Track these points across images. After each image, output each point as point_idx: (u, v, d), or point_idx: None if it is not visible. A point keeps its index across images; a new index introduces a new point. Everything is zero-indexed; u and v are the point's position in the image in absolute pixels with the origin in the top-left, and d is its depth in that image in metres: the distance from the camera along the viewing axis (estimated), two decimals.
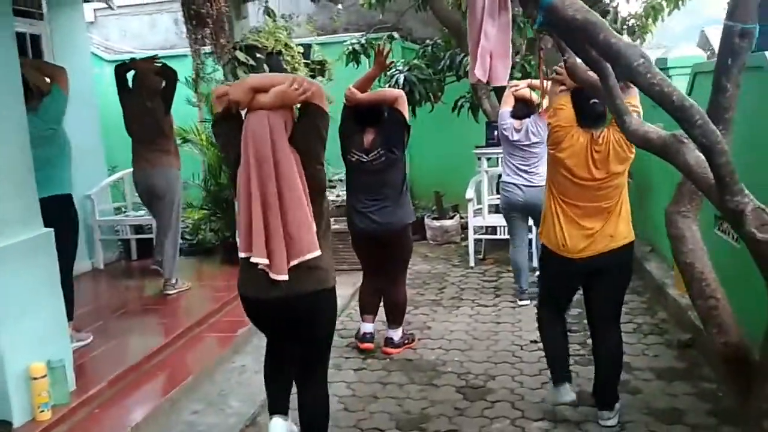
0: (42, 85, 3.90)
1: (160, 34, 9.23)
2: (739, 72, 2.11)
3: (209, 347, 4.34)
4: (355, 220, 4.26)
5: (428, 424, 3.44)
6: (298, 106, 2.64)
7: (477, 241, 6.61)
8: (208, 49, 4.43)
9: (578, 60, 2.52)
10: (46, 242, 3.35)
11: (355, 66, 7.33)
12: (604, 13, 5.66)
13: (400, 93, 4.14)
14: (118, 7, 8.28)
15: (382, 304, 4.51)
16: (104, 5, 7.41)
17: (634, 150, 3.01)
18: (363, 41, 7.33)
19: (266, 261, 2.55)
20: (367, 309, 4.49)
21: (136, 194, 5.39)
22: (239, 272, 2.75)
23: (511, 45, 2.62)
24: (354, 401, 3.73)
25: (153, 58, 5.07)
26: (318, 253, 2.58)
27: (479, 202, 6.64)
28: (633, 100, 3.02)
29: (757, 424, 1.92)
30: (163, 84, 4.87)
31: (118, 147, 6.16)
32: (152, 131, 4.92)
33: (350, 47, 7.32)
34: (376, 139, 4.09)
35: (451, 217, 7.68)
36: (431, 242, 7.63)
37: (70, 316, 4.09)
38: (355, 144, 4.12)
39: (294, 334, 2.81)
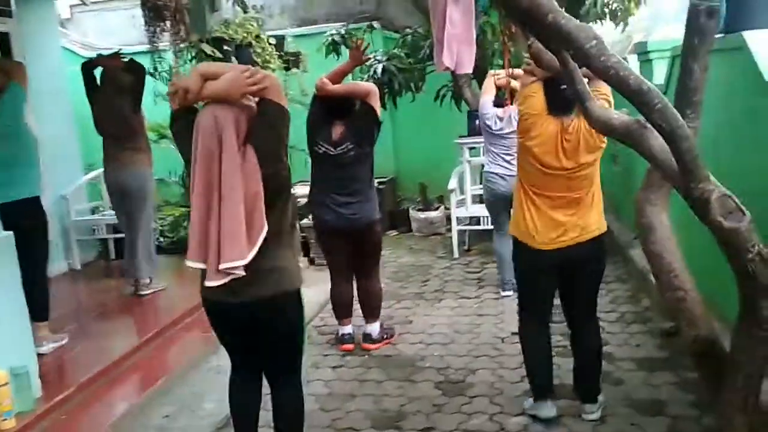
0: None
1: (139, 29, 9.06)
2: (706, 53, 2.02)
3: (184, 348, 4.26)
4: (322, 214, 4.16)
5: (404, 422, 3.36)
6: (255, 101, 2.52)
7: (461, 233, 6.53)
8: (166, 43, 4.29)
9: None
10: (6, 247, 3.25)
11: (336, 57, 7.21)
12: None
13: (372, 87, 4.04)
14: (93, 2, 8.15)
15: (357, 301, 4.42)
16: (78, 1, 7.28)
17: (606, 140, 2.92)
18: (342, 32, 7.20)
19: (202, 265, 2.44)
20: (342, 311, 4.39)
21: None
22: (200, 276, 2.64)
23: (474, 30, 2.52)
24: (330, 400, 3.65)
25: (118, 54, 4.95)
26: (243, 262, 2.38)
27: (462, 192, 6.55)
28: (602, 87, 2.93)
29: (730, 417, 1.84)
30: (131, 80, 4.75)
31: (95, 146, 6.04)
32: (121, 129, 4.80)
33: (330, 38, 7.19)
34: (345, 133, 3.99)
35: (436, 209, 7.59)
36: (416, 234, 7.55)
37: (45, 316, 4.02)
38: (322, 136, 4.02)
39: (256, 340, 2.69)
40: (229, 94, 2.40)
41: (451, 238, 6.60)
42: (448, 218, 7.30)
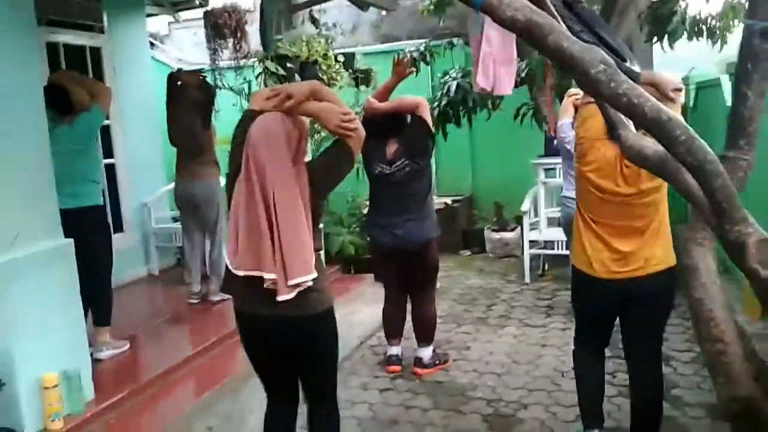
0: (84, 102, 3.98)
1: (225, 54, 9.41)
2: (763, 78, 1.80)
3: (239, 359, 4.26)
4: (376, 235, 4.10)
5: None
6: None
7: (534, 256, 6.29)
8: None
9: None
10: (66, 253, 3.38)
11: (414, 74, 7.18)
12: (672, 14, 5.23)
13: (420, 100, 3.96)
14: (189, 19, 8.50)
15: (411, 322, 4.31)
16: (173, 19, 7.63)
17: None
18: (422, 48, 7.16)
19: (274, 276, 2.42)
20: (391, 332, 4.31)
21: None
22: (234, 287, 2.63)
23: (515, 50, 2.38)
24: (372, 425, 3.57)
25: (198, 72, 5.13)
26: (312, 276, 2.44)
27: (536, 214, 6.32)
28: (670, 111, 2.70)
29: None
30: (203, 98, 4.90)
31: None
32: (191, 143, 4.97)
33: (408, 54, 7.17)
34: (398, 149, 3.92)
35: (512, 230, 7.36)
36: (490, 255, 7.36)
37: (107, 322, 4.18)
38: (377, 155, 3.97)
39: (291, 358, 2.65)
40: (320, 119, 2.49)
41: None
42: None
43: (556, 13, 1.49)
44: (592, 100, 2.82)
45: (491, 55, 2.32)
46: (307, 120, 2.57)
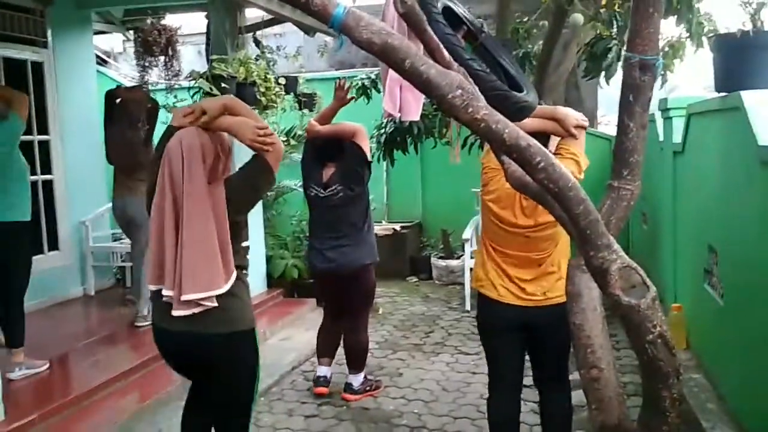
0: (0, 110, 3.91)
1: (183, 65, 9.37)
2: (643, 110, 1.86)
3: (161, 383, 4.19)
4: (312, 258, 4.09)
5: None
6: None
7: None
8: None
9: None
10: None
11: (366, 101, 7.24)
12: (606, 51, 5.37)
13: (359, 127, 3.98)
14: None
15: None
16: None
17: None
18: (372, 76, 7.22)
19: (171, 293, 2.39)
20: (322, 351, 4.28)
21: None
22: (155, 304, 2.59)
23: None
24: None
25: (140, 87, 5.07)
26: (217, 291, 2.41)
27: (478, 242, 6.36)
28: (572, 146, 2.74)
29: None
30: (146, 115, 4.86)
31: None
32: (131, 159, 4.90)
33: (360, 82, 7.23)
34: (334, 174, 3.94)
35: (458, 257, 7.40)
36: (437, 282, 7.38)
37: (20, 342, 4.05)
38: (313, 178, 3.98)
39: (200, 374, 2.62)
40: (235, 133, 2.45)
41: None
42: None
43: (436, 39, 1.51)
44: None
45: (398, 81, 2.34)
46: (227, 137, 2.55)
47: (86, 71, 6.41)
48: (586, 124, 2.74)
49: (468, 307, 6.14)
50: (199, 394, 2.79)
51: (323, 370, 4.23)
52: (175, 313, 2.35)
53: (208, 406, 2.72)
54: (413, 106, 2.43)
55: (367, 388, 4.21)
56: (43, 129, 5.86)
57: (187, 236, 2.33)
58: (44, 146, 5.89)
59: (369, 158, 4.00)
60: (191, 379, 2.78)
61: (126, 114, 4.97)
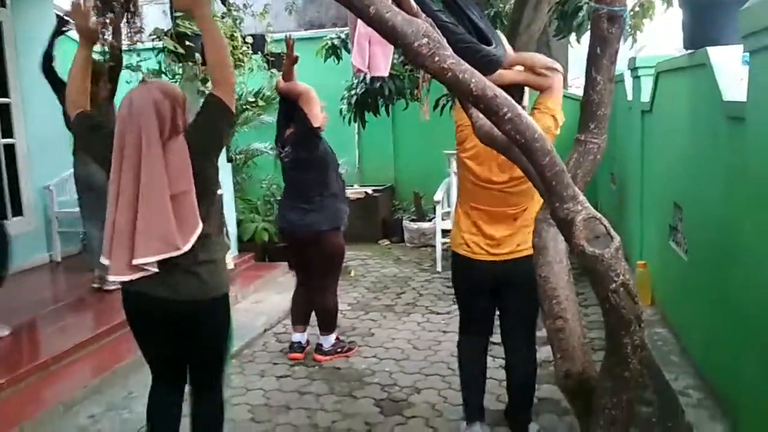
0: None
1: (148, 25, 9.10)
2: (611, 62, 1.85)
3: (129, 348, 4.13)
4: (278, 217, 4.08)
5: None
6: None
7: (448, 246, 6.34)
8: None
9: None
10: None
11: (336, 61, 7.14)
12: (577, 9, 5.35)
13: (304, 89, 3.82)
14: None
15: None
16: None
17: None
18: (342, 36, 7.11)
19: (108, 263, 2.35)
20: (296, 318, 4.27)
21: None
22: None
23: None
24: (264, 411, 3.52)
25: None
26: (176, 253, 2.36)
27: (449, 204, 6.38)
28: (549, 100, 2.75)
29: None
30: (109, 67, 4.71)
31: None
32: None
33: (330, 42, 7.12)
34: (290, 136, 3.89)
35: (430, 220, 7.43)
36: (408, 245, 7.41)
37: None
38: (280, 137, 3.95)
39: (177, 344, 2.57)
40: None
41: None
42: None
43: None
44: None
45: (366, 36, 2.30)
46: (180, 91, 2.49)
47: (46, 31, 6.18)
48: (558, 66, 2.72)
49: (439, 268, 6.19)
50: (171, 368, 2.72)
51: (297, 336, 4.24)
52: (121, 278, 2.31)
53: (180, 379, 2.69)
54: (382, 61, 2.40)
55: (338, 350, 4.23)
56: (3, 92, 5.68)
57: (145, 199, 2.28)
58: (5, 109, 5.71)
59: (314, 124, 3.81)
60: (158, 346, 2.63)
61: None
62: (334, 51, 7.13)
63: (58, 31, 4.85)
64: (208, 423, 2.70)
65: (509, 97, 1.43)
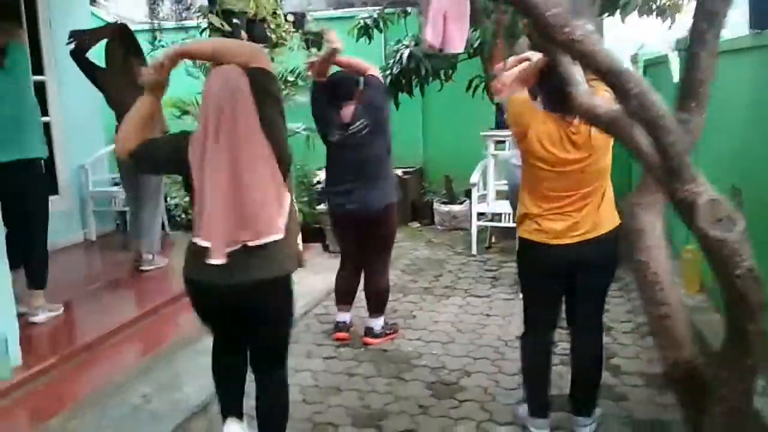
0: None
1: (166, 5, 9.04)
2: (715, 39, 1.77)
3: (176, 327, 4.16)
4: (335, 200, 4.01)
5: (386, 422, 3.19)
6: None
7: (483, 229, 6.29)
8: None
9: None
10: None
11: (367, 41, 7.05)
12: None
13: (364, 62, 3.98)
14: None
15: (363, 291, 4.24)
16: None
17: None
18: (375, 15, 7.02)
19: (206, 243, 2.30)
20: (342, 297, 4.23)
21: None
22: (186, 252, 2.49)
23: (468, 6, 2.30)
24: (315, 393, 3.50)
25: (107, 26, 4.94)
26: (280, 235, 2.34)
27: (485, 187, 6.31)
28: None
29: None
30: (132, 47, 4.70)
31: None
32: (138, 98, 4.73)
33: (362, 21, 7.03)
34: (356, 110, 3.82)
35: (461, 203, 7.36)
36: (439, 227, 7.35)
37: (42, 285, 3.98)
38: (333, 123, 3.87)
39: (247, 324, 2.54)
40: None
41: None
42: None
43: None
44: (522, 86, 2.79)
45: (441, 11, 2.23)
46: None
47: (80, 8, 6.16)
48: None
49: (474, 251, 6.13)
50: (236, 344, 2.71)
51: (343, 316, 4.21)
52: (216, 261, 2.27)
53: (241, 345, 2.68)
54: (457, 37, 2.32)
55: (387, 332, 4.20)
56: (38, 70, 5.64)
57: (249, 181, 2.24)
58: (40, 87, 5.68)
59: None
60: (222, 327, 2.64)
61: (117, 56, 4.77)
62: (366, 31, 7.06)
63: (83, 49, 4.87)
64: (273, 406, 2.69)
65: (636, 74, 1.37)
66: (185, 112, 6.21)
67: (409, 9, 7.42)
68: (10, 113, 3.76)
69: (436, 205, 7.45)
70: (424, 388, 3.52)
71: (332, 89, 3.86)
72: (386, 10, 7.11)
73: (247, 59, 2.34)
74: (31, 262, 3.90)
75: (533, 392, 3.06)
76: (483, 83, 6.76)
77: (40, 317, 3.92)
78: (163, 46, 4.76)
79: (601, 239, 2.77)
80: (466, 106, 7.18)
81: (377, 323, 4.15)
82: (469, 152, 7.34)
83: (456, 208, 7.29)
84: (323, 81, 3.86)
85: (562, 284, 2.93)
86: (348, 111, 3.85)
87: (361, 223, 3.97)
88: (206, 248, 2.28)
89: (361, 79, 3.85)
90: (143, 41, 5.23)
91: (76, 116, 5.98)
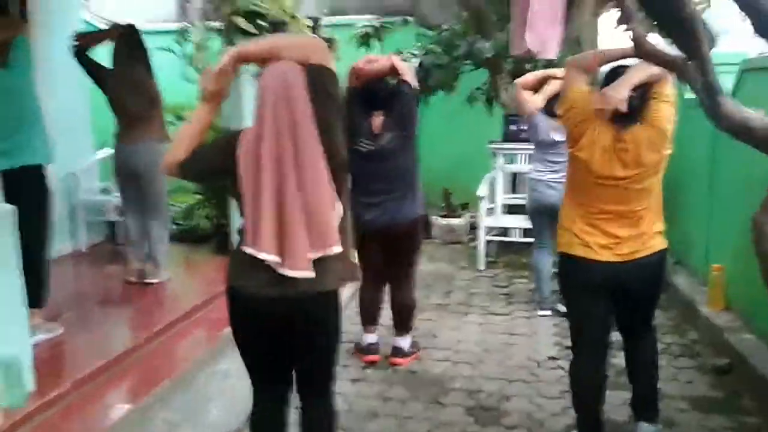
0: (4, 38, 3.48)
1: (165, 6, 8.72)
2: None
3: (192, 347, 3.91)
4: (360, 214, 3.80)
5: None
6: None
7: (487, 243, 6.17)
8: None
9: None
10: (5, 222, 2.90)
11: (366, 50, 6.93)
12: None
13: (400, 61, 3.75)
14: None
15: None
16: None
17: (669, 147, 2.63)
18: (377, 24, 6.91)
19: (276, 258, 2.10)
20: (368, 318, 4.04)
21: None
22: (231, 262, 2.31)
23: (562, 9, 2.17)
24: (351, 418, 3.30)
25: (112, 28, 4.72)
26: (338, 249, 2.16)
27: (492, 201, 6.21)
28: (666, 88, 2.60)
29: None
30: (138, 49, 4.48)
31: (110, 124, 5.72)
32: (142, 100, 4.48)
33: (363, 30, 6.91)
34: (386, 121, 3.65)
35: (459, 216, 7.25)
36: (437, 241, 7.21)
37: (40, 302, 3.69)
38: (362, 132, 3.67)
39: (298, 341, 2.31)
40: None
41: (473, 247, 6.31)
42: (472, 227, 6.96)
43: None
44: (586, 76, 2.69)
45: (541, 15, 2.09)
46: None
47: (70, 8, 5.86)
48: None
49: (482, 266, 6.00)
50: (279, 375, 2.48)
51: (372, 338, 4.01)
52: (302, 273, 2.08)
53: (286, 374, 2.46)
54: (553, 42, 2.19)
55: (413, 350, 4.03)
56: None
57: (312, 188, 2.07)
58: None
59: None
60: (274, 349, 2.36)
61: (123, 56, 4.53)
62: (366, 40, 6.95)
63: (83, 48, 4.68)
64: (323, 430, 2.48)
65: None
66: (181, 118, 5.95)
67: (409, 19, 7.33)
68: (15, 113, 3.51)
69: (434, 219, 7.31)
70: (464, 414, 3.36)
71: (365, 97, 3.68)
72: (386, 19, 7.01)
73: (308, 54, 2.16)
74: (31, 279, 3.60)
75: (588, 420, 2.93)
76: (484, 96, 6.69)
77: (36, 338, 3.60)
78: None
79: (648, 258, 2.70)
80: (464, 118, 7.11)
81: (405, 342, 3.99)
82: (467, 165, 7.26)
83: (454, 221, 7.18)
84: (358, 87, 3.68)
85: (609, 302, 2.83)
86: (378, 121, 3.69)
87: (390, 237, 3.80)
88: (262, 259, 2.09)
89: (397, 86, 3.67)
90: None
91: (65, 122, 5.62)
